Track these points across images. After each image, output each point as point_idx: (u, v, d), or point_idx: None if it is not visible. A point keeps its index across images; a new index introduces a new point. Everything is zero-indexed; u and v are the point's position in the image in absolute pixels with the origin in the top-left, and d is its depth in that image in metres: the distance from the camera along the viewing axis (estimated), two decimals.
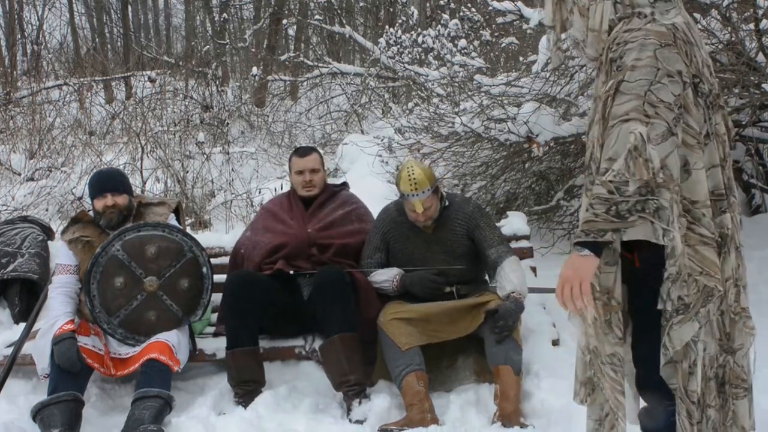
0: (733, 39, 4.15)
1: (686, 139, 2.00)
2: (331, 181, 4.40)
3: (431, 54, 7.80)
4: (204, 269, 3.75)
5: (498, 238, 3.72)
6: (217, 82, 11.70)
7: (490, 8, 5.73)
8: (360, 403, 3.39)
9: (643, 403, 2.33)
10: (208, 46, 14.48)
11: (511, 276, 3.56)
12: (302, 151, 4.10)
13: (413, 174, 3.56)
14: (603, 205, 1.90)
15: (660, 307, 2.07)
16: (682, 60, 2.00)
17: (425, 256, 3.72)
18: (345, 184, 4.28)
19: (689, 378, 2.07)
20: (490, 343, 3.44)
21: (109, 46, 17.33)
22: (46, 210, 7.00)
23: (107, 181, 3.82)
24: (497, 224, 4.10)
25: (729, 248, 2.09)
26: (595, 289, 2.06)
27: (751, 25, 4.18)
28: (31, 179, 8.11)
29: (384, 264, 3.80)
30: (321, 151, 4.51)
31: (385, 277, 3.73)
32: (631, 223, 1.89)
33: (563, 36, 2.33)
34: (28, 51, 15.36)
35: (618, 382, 2.13)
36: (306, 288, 3.77)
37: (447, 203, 3.76)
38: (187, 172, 7.51)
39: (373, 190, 5.77)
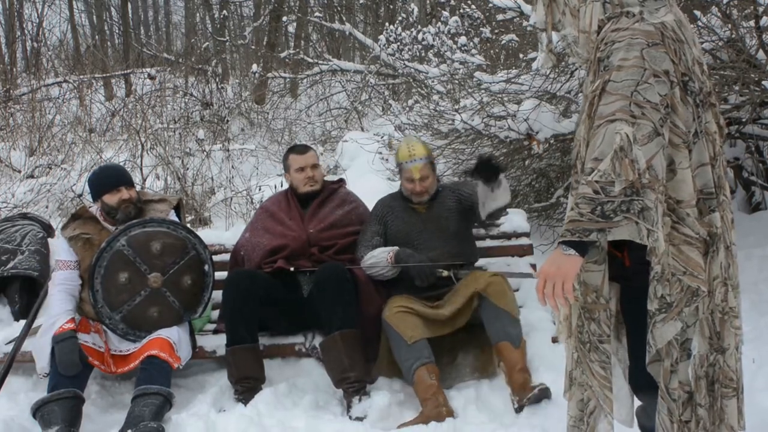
0: (733, 36, 4.14)
1: (672, 139, 2.00)
2: (328, 178, 4.40)
3: (431, 51, 7.78)
4: (206, 267, 3.76)
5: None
6: (217, 80, 11.67)
7: (490, 5, 5.72)
8: (360, 400, 3.40)
9: (638, 402, 2.34)
10: (207, 43, 14.46)
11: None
12: (300, 149, 4.10)
13: (411, 144, 3.82)
14: (588, 204, 1.89)
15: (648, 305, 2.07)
16: (669, 59, 1.98)
17: (421, 235, 3.79)
18: (342, 181, 4.27)
19: (671, 376, 2.08)
20: (487, 322, 3.49)
21: (108, 43, 17.33)
22: (46, 207, 7.00)
23: (121, 175, 3.83)
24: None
25: (718, 247, 2.08)
26: (576, 289, 2.07)
27: (752, 23, 4.18)
28: (31, 176, 8.11)
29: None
30: (321, 149, 4.51)
31: (378, 252, 3.74)
32: (616, 224, 1.89)
33: (555, 37, 2.33)
34: (28, 48, 15.34)
35: (607, 379, 2.14)
36: (306, 285, 3.78)
37: (441, 184, 3.90)
38: (187, 169, 7.50)
39: (373, 187, 5.76)
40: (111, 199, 3.74)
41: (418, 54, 8.38)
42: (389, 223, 3.88)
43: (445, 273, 3.68)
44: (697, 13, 4.00)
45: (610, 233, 1.90)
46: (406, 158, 3.77)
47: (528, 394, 3.21)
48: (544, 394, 3.21)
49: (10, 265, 4.24)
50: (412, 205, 3.87)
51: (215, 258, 4.05)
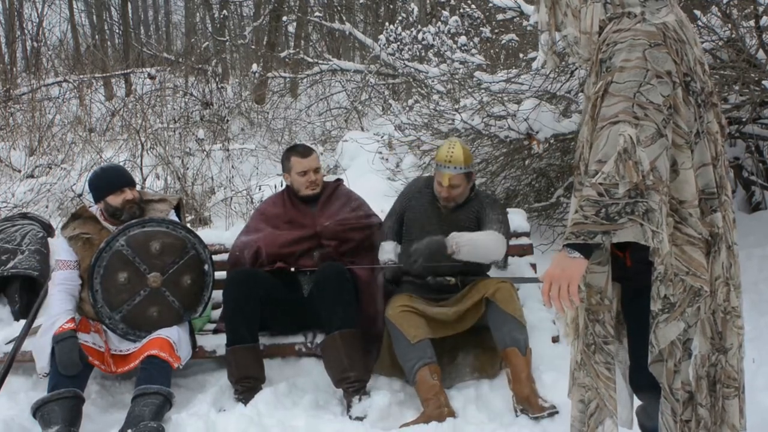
0: (733, 36, 4.14)
1: (674, 139, 2.00)
2: (326, 178, 4.38)
3: (431, 51, 7.78)
4: (206, 266, 3.76)
5: (498, 224, 3.71)
6: (217, 79, 11.65)
7: (490, 5, 5.73)
8: (360, 399, 3.40)
9: (638, 402, 2.34)
10: (207, 43, 14.47)
11: (476, 234, 3.59)
12: (303, 151, 4.00)
13: (453, 149, 3.69)
14: (593, 207, 1.89)
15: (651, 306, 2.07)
16: (671, 59, 1.98)
17: (434, 235, 3.72)
18: (339, 180, 4.26)
19: (674, 376, 2.08)
20: (494, 327, 3.48)
21: (108, 42, 17.33)
22: (46, 207, 6.99)
23: (123, 176, 3.83)
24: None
25: (719, 247, 2.08)
26: (581, 290, 2.07)
27: (752, 22, 4.18)
28: (31, 176, 8.11)
29: (397, 232, 3.85)
30: (321, 149, 4.48)
31: (387, 248, 3.78)
32: (621, 226, 1.89)
33: (558, 37, 2.33)
34: (28, 48, 15.34)
35: (611, 380, 2.14)
36: (306, 285, 3.78)
37: (475, 192, 3.83)
38: (187, 169, 7.49)
39: (373, 187, 5.77)
40: (115, 200, 3.73)
41: (418, 54, 8.38)
42: (410, 208, 3.85)
43: (452, 281, 3.68)
44: (697, 12, 4.00)
45: (615, 235, 1.90)
46: (442, 161, 3.68)
47: (537, 414, 3.20)
48: (553, 416, 3.19)
49: (10, 264, 4.23)
50: (438, 203, 3.82)
51: (215, 258, 4.05)
